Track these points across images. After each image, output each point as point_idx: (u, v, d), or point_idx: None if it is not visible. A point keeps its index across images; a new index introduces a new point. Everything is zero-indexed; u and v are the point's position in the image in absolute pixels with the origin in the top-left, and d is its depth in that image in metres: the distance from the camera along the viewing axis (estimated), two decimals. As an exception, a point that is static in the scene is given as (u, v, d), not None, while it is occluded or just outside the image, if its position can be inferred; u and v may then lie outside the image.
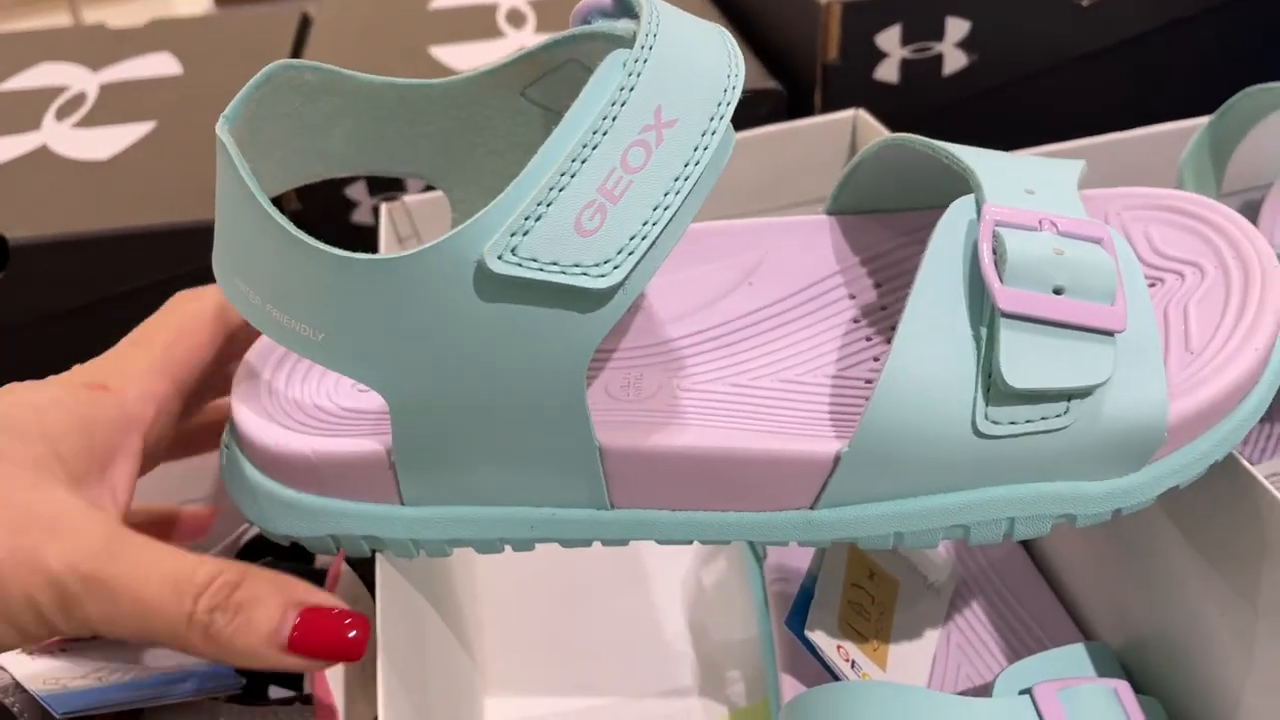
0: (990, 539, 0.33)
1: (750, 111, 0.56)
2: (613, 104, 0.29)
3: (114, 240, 0.53)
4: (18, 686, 0.40)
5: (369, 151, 0.37)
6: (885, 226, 0.40)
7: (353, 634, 0.32)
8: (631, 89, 0.29)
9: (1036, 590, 0.47)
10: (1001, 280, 0.31)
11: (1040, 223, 0.32)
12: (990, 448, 0.31)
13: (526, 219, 0.28)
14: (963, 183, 0.38)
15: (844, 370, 0.36)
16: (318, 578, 0.47)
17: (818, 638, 0.41)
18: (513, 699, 0.50)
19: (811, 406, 0.35)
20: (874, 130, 0.51)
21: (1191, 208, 0.38)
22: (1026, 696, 0.37)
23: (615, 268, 0.29)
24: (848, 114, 0.54)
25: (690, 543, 0.34)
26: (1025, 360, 0.30)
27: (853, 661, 0.42)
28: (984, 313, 0.31)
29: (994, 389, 0.31)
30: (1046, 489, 0.32)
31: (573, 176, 0.28)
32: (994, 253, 0.31)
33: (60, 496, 0.31)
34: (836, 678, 0.42)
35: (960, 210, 0.33)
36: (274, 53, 0.70)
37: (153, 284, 0.53)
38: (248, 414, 0.35)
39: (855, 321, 0.38)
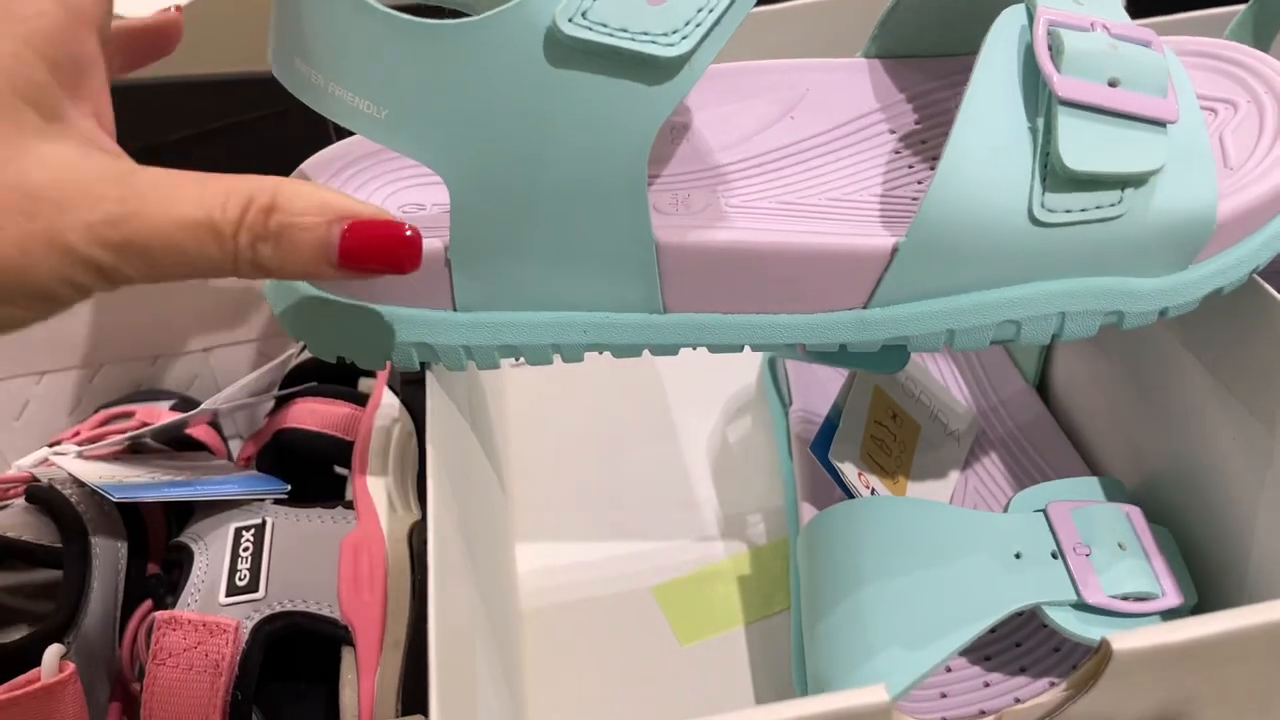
0: (1039, 337, 0.36)
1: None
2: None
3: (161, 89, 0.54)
4: (75, 480, 0.44)
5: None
6: (923, 70, 0.44)
7: (408, 233, 0.32)
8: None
9: (1052, 437, 0.51)
10: (1059, 69, 0.35)
11: (1092, 24, 0.36)
12: (1046, 237, 0.35)
13: (596, -17, 0.31)
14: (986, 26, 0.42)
15: (890, 190, 0.40)
16: (360, 400, 0.51)
17: (840, 463, 0.45)
18: (542, 542, 0.56)
19: (861, 215, 0.38)
20: None
21: (1227, 53, 0.42)
22: (1041, 514, 0.41)
23: (683, 38, 0.32)
24: None
25: (741, 349, 0.37)
26: (1083, 145, 0.34)
27: (873, 490, 0.46)
28: (1039, 105, 0.35)
29: (1051, 175, 0.34)
30: (1097, 283, 0.36)
31: (641, -52, 0.32)
32: (1049, 48, 0.35)
33: (48, 152, 0.29)
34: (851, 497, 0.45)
35: (1012, 15, 0.36)
36: None
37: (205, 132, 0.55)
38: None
39: (896, 152, 0.42)
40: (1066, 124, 0.34)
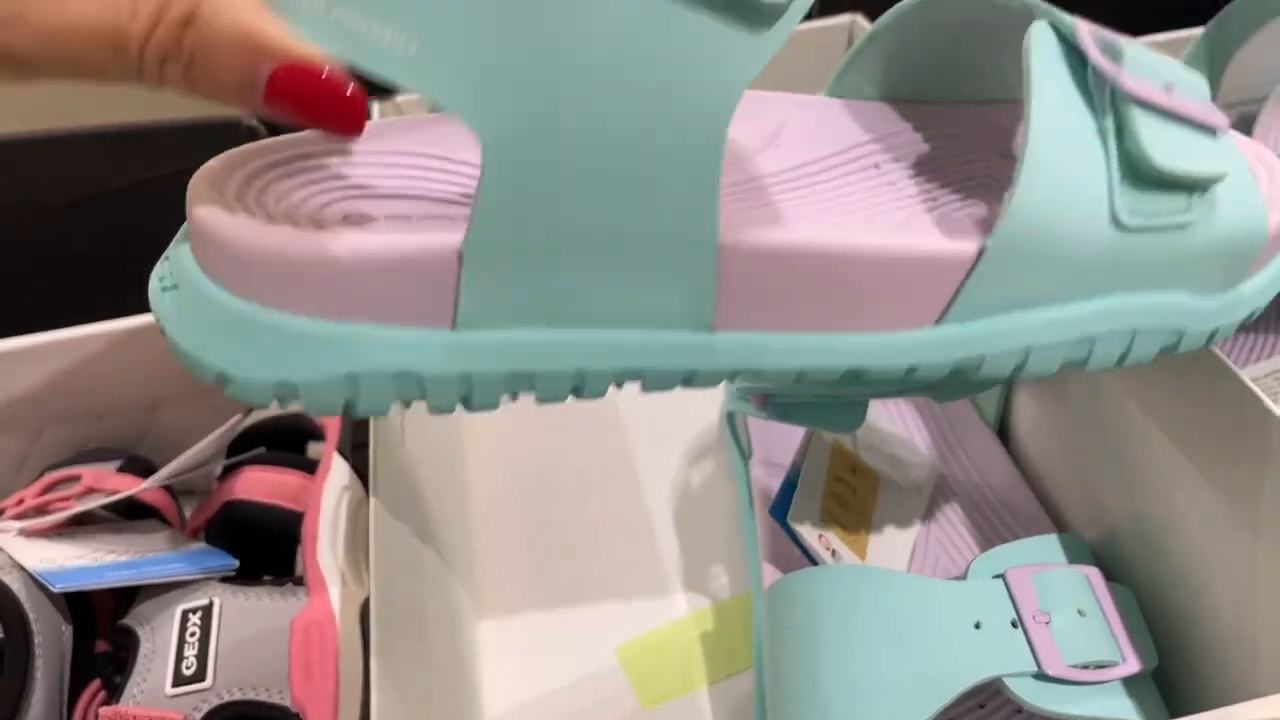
0: (1108, 360, 0.26)
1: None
2: None
3: (108, 137, 0.42)
4: (15, 565, 0.34)
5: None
6: (893, 111, 0.34)
7: (349, 90, 0.21)
8: None
9: (1014, 487, 0.41)
10: (1120, 67, 0.25)
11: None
12: (1125, 243, 0.25)
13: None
14: (963, 72, 0.33)
15: (934, 209, 0.30)
16: (310, 468, 0.39)
17: (800, 525, 0.36)
18: (499, 600, 0.43)
19: (932, 212, 0.28)
20: None
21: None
22: (1000, 580, 0.33)
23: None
24: (843, 20, 0.48)
25: (795, 377, 0.26)
26: (1161, 140, 0.25)
27: (833, 550, 0.37)
28: (1100, 109, 0.26)
29: (1130, 174, 0.25)
30: (1167, 299, 0.26)
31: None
32: (1102, 52, 0.26)
33: None
34: (814, 562, 0.36)
35: (1042, 31, 0.27)
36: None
37: (153, 179, 0.42)
38: (225, 216, 0.23)
39: (893, 184, 0.32)
40: (1142, 121, 0.24)
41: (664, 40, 0.20)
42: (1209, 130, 0.25)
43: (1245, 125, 0.47)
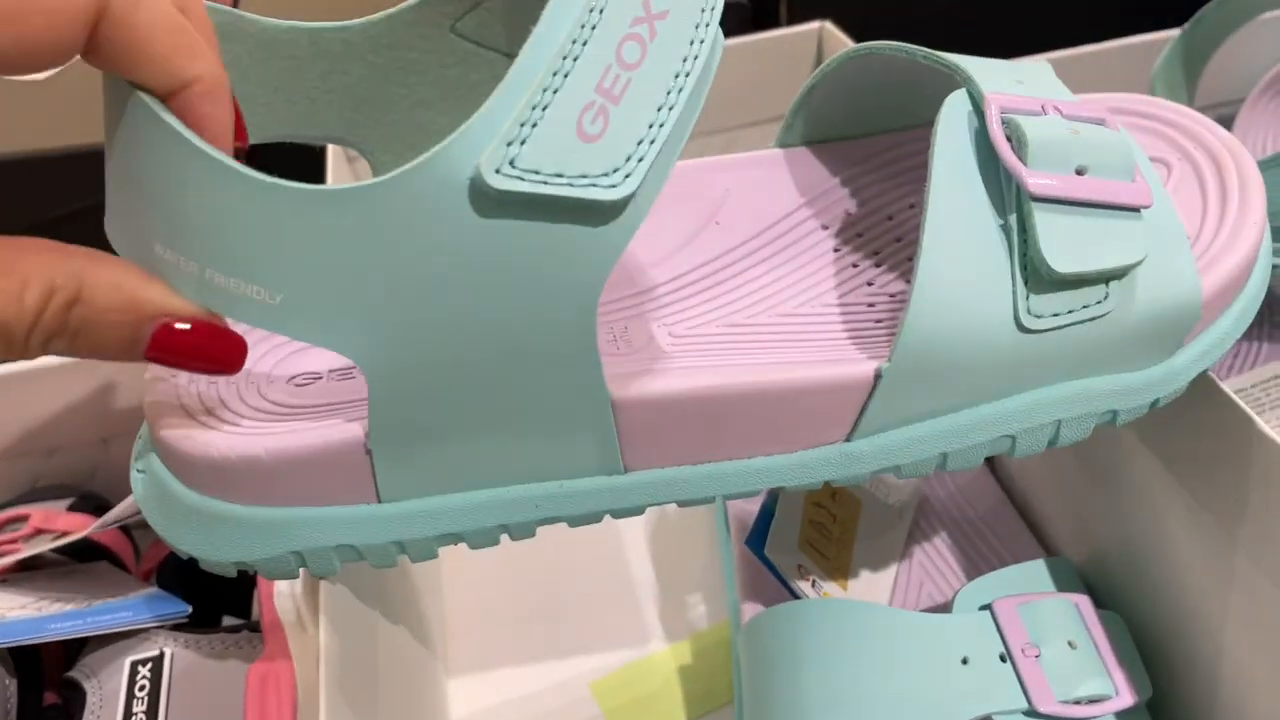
0: (1035, 449, 0.29)
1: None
2: (597, -4, 0.24)
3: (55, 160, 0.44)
4: None
5: (278, 112, 0.31)
6: (841, 156, 0.36)
7: (226, 335, 0.25)
8: (615, -22, 0.25)
9: (1000, 509, 0.45)
10: (1025, 163, 0.27)
11: (1044, 107, 0.29)
12: (1034, 344, 0.28)
13: (523, 125, 0.23)
14: (922, 100, 0.35)
15: (842, 298, 0.32)
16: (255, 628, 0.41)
17: (778, 557, 0.39)
18: (470, 628, 0.47)
19: (822, 334, 0.31)
20: (839, 42, 0.48)
21: (1146, 108, 0.36)
22: (987, 612, 0.35)
23: (626, 176, 0.24)
24: (813, 26, 0.50)
25: (714, 499, 0.29)
26: (1064, 243, 0.27)
27: (813, 581, 0.40)
28: (1007, 202, 0.28)
29: (1034, 278, 0.27)
30: (1090, 385, 0.29)
31: (566, 76, 0.23)
32: (1008, 139, 0.28)
33: None
34: (795, 595, 0.39)
35: (956, 104, 0.29)
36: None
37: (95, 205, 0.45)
38: (171, 421, 0.28)
39: (837, 250, 0.34)
40: (1044, 221, 0.27)
41: (522, 258, 0.23)
42: (1131, 210, 0.27)
43: (1224, 127, 0.48)
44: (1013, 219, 0.28)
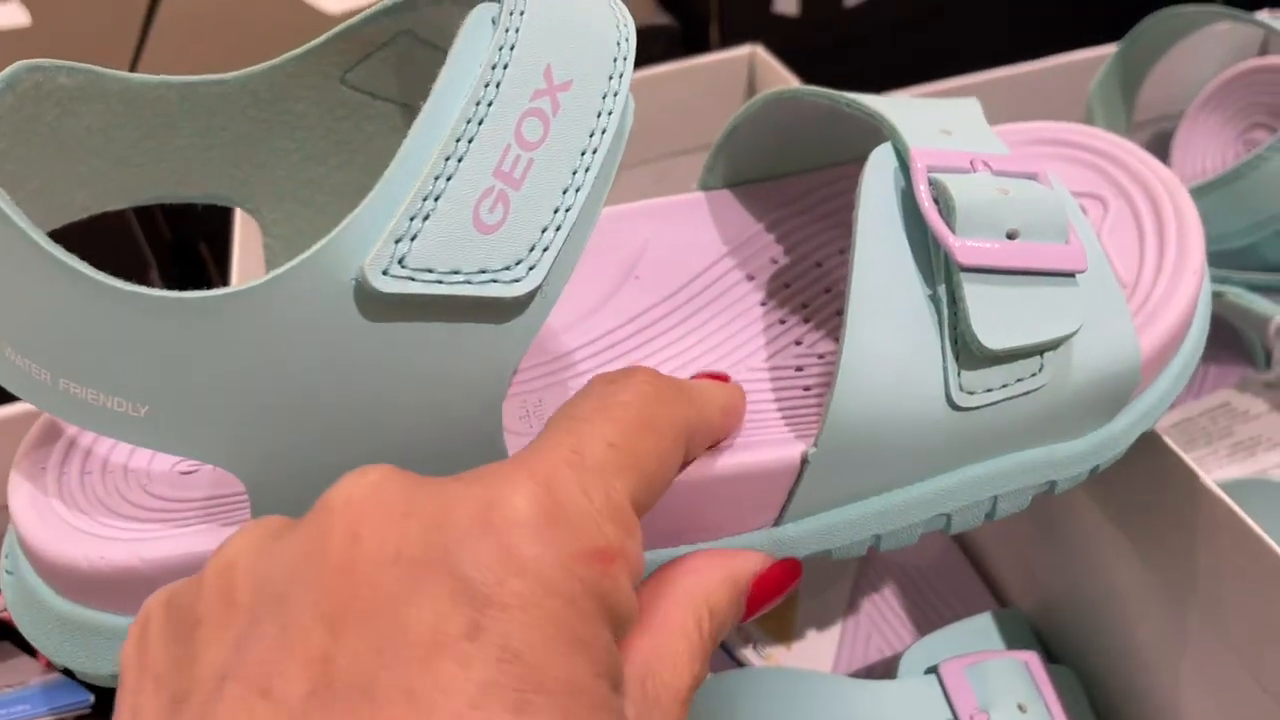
0: (972, 524, 0.28)
1: (642, 50, 0.49)
2: (493, 66, 0.22)
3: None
4: None
5: (150, 172, 0.29)
6: (766, 198, 0.35)
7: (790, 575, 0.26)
8: (512, 46, 0.23)
9: (948, 556, 0.44)
10: (953, 231, 0.26)
11: (972, 163, 0.28)
12: (967, 421, 0.26)
13: (412, 219, 0.21)
14: (848, 138, 0.33)
15: (770, 360, 0.31)
16: None
17: None
18: None
19: (748, 405, 0.29)
20: (771, 69, 0.47)
21: (1080, 139, 0.35)
22: (933, 675, 0.34)
23: (530, 268, 0.22)
24: (744, 51, 0.48)
25: (635, 588, 0.27)
26: (995, 317, 0.26)
27: (754, 642, 0.39)
28: (936, 270, 0.27)
29: (965, 354, 0.26)
30: (1026, 458, 0.28)
31: (460, 160, 0.22)
32: (935, 201, 0.27)
33: None
34: (735, 659, 0.38)
35: (881, 161, 0.28)
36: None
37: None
38: (39, 527, 0.26)
39: (763, 304, 0.33)
40: (973, 294, 0.25)
41: (416, 363, 0.21)
42: (1065, 275, 0.26)
43: (1162, 141, 0.47)
44: (942, 290, 0.26)
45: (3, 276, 0.21)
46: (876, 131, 0.29)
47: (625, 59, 0.25)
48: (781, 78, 0.46)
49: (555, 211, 0.23)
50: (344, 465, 0.23)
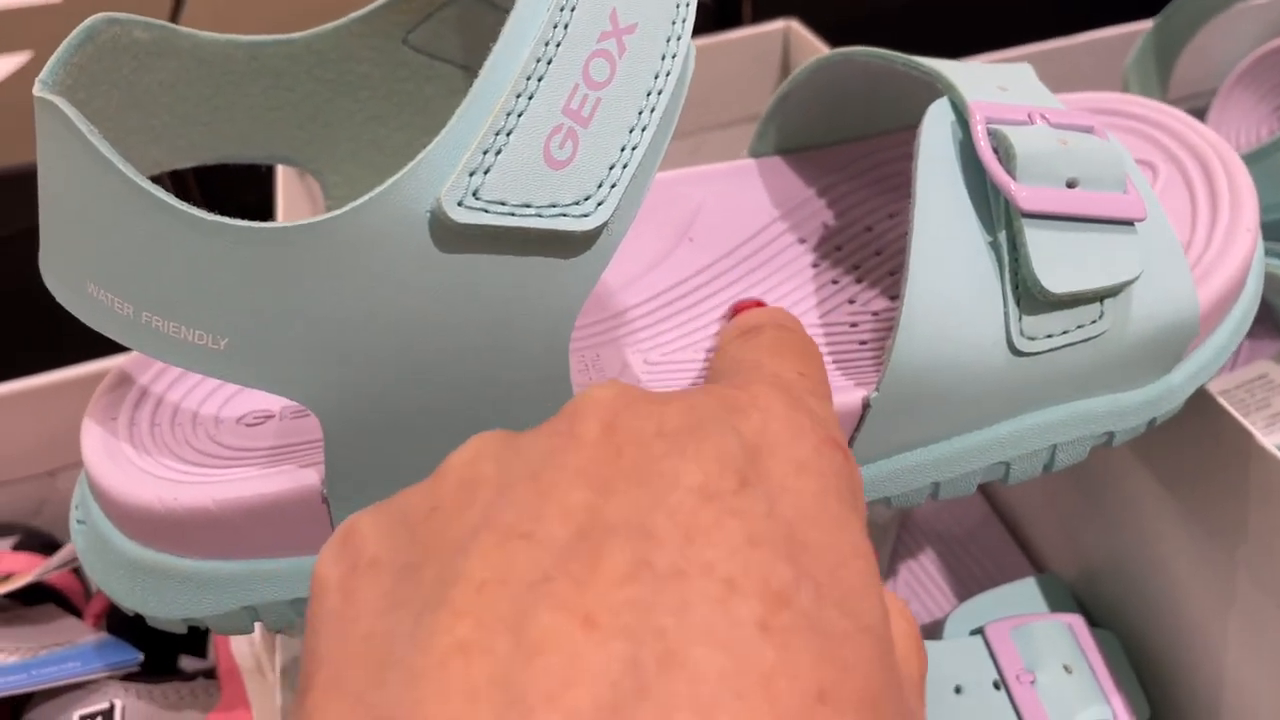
0: (1031, 474, 0.28)
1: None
2: (561, 8, 0.23)
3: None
4: None
5: (217, 130, 0.29)
6: (816, 165, 0.35)
7: None
8: (580, -10, 0.23)
9: (986, 523, 0.44)
10: (1014, 178, 0.26)
11: (1030, 115, 0.28)
12: (1028, 367, 0.27)
13: (485, 153, 0.22)
14: (899, 103, 0.34)
15: (824, 318, 0.31)
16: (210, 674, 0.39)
17: None
18: None
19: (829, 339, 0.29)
20: (806, 42, 0.47)
21: (1128, 107, 0.35)
22: (979, 636, 0.34)
23: (599, 204, 0.23)
24: (779, 25, 0.49)
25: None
26: (1058, 262, 0.26)
27: None
28: (995, 218, 0.27)
29: (1027, 299, 0.26)
30: (1085, 407, 0.28)
31: (531, 98, 0.22)
32: (994, 151, 0.27)
33: None
34: None
35: (939, 114, 0.28)
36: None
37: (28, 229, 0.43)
38: (112, 470, 0.27)
39: (815, 266, 0.33)
40: (1035, 239, 0.25)
41: (488, 294, 0.22)
42: (1125, 223, 0.26)
43: (1196, 117, 0.47)
44: (1002, 236, 0.27)
45: (87, 211, 0.22)
46: (929, 97, 0.29)
47: (687, 5, 0.25)
48: (817, 50, 0.46)
49: (622, 150, 0.23)
50: (417, 403, 0.24)
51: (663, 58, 0.24)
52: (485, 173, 0.22)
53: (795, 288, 0.32)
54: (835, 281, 0.32)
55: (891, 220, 0.34)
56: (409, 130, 0.32)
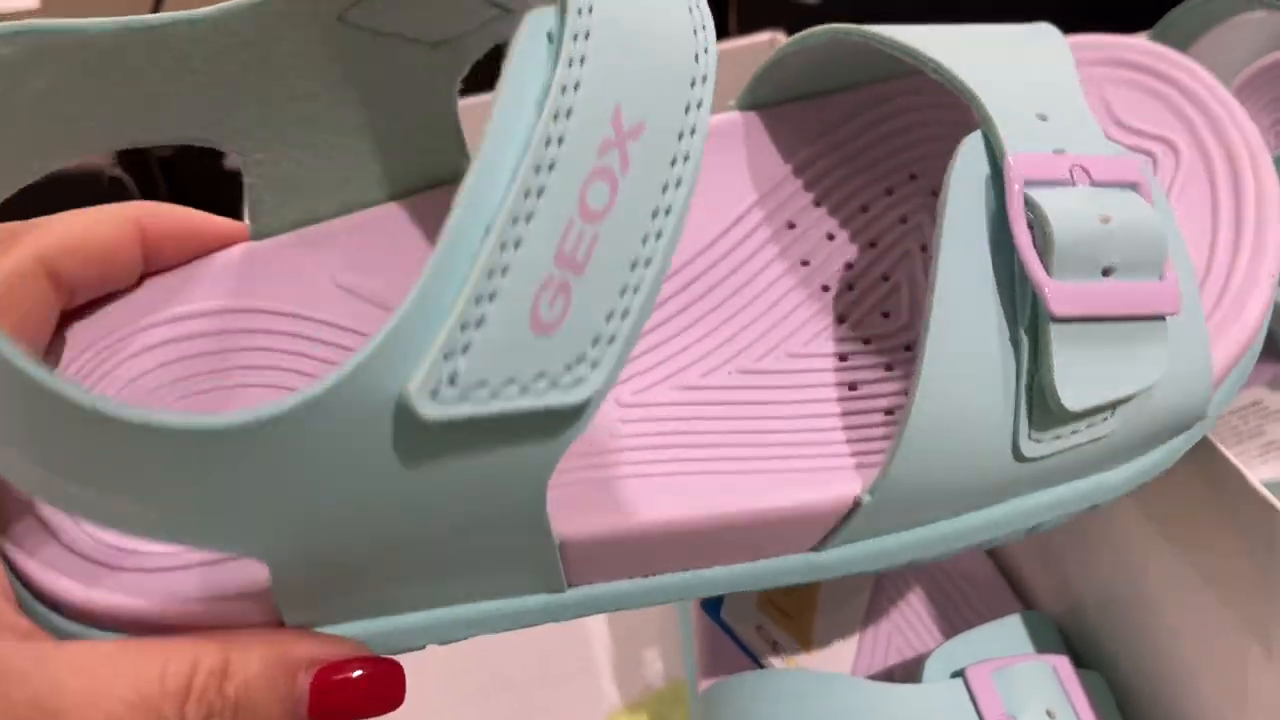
0: (1011, 541, 0.28)
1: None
2: (555, 116, 0.18)
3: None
4: None
5: (112, 123, 0.24)
6: (794, 126, 0.31)
7: (389, 684, 0.24)
8: (577, 86, 0.19)
9: (971, 556, 0.42)
10: (1049, 271, 0.23)
11: (1071, 172, 0.25)
12: (1028, 469, 0.25)
13: (464, 328, 0.18)
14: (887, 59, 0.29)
15: (812, 342, 0.29)
16: None
17: (735, 620, 0.37)
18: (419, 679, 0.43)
19: (795, 429, 0.27)
20: None
21: (1152, 62, 0.32)
22: (959, 680, 0.33)
23: (593, 366, 0.20)
24: (763, 37, 0.45)
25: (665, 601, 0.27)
26: (1079, 375, 0.24)
27: (774, 642, 0.38)
28: (1019, 306, 0.24)
29: (1039, 408, 0.24)
30: (1075, 488, 0.27)
31: (517, 247, 0.18)
32: (1029, 226, 0.24)
33: None
34: (756, 659, 0.37)
35: (971, 160, 0.25)
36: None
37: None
38: (41, 568, 0.24)
39: (805, 264, 0.30)
40: (1061, 346, 0.24)
41: (458, 479, 0.20)
42: (1156, 318, 0.24)
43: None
44: (1024, 333, 0.24)
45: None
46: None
47: (705, 80, 0.21)
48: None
49: (622, 293, 0.20)
50: (373, 552, 0.21)
51: (673, 161, 0.20)
52: (463, 352, 0.18)
53: (781, 305, 0.29)
54: (826, 288, 0.30)
55: (889, 197, 0.31)
56: (346, 107, 0.26)
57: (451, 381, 0.18)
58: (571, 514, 0.24)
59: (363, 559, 0.22)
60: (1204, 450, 0.30)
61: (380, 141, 0.28)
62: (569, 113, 0.19)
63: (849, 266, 0.30)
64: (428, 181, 0.29)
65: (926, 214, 0.31)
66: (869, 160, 0.31)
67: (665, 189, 0.20)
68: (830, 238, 0.30)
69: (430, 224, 0.29)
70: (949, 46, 0.27)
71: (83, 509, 0.20)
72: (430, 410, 0.18)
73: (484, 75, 0.27)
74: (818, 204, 0.31)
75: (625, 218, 0.19)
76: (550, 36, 0.19)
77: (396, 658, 0.24)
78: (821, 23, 0.28)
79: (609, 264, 0.19)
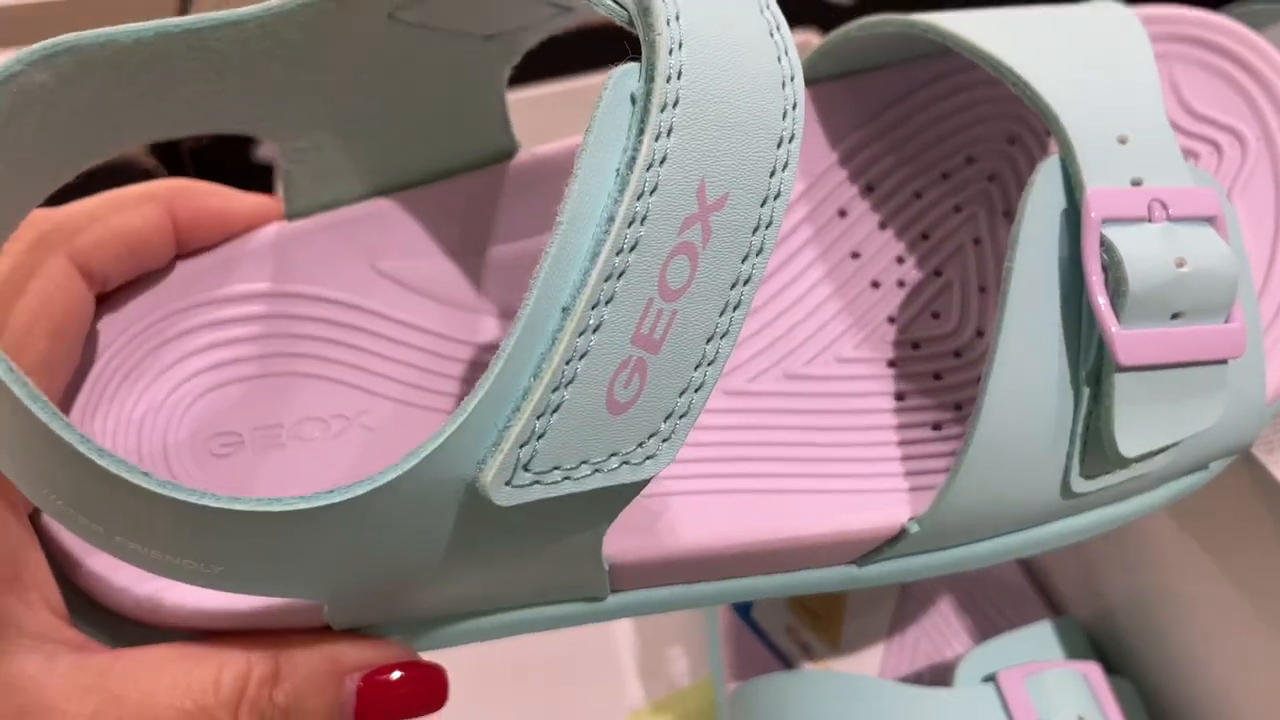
0: (1047, 555, 0.28)
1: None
2: (639, 194, 0.18)
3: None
4: None
5: (150, 121, 0.23)
6: (845, 107, 0.29)
7: (432, 688, 0.24)
8: (663, 160, 0.18)
9: (1004, 565, 0.39)
10: (1119, 316, 0.23)
11: (1150, 207, 0.24)
12: (1075, 503, 0.25)
13: (540, 416, 0.18)
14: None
15: (868, 340, 0.28)
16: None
17: (765, 621, 0.37)
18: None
19: (843, 440, 0.27)
20: None
21: (1229, 43, 0.30)
22: (990, 684, 0.33)
23: (664, 440, 0.19)
24: (799, 38, 0.42)
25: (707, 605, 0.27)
26: (1139, 421, 0.24)
27: (805, 644, 0.38)
28: (1085, 347, 0.24)
29: (1094, 450, 0.24)
30: (1119, 510, 0.27)
31: (595, 331, 0.18)
32: (1103, 269, 0.23)
33: (4, 674, 0.21)
34: (783, 658, 0.38)
35: (1048, 190, 0.24)
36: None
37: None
38: (91, 575, 0.24)
39: (855, 257, 0.29)
40: (1123, 396, 0.23)
41: (525, 549, 0.20)
42: (1217, 361, 0.24)
43: None
44: (1086, 375, 0.24)
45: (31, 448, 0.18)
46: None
47: (792, 139, 0.20)
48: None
49: (697, 368, 0.19)
50: (430, 589, 0.21)
51: (754, 229, 0.19)
52: (538, 439, 0.18)
53: (830, 304, 0.29)
54: (876, 285, 0.29)
55: (945, 181, 0.30)
56: (392, 96, 0.25)
57: (526, 468, 0.18)
58: (620, 536, 0.24)
59: (415, 589, 0.22)
60: (1239, 457, 0.30)
61: (424, 126, 0.26)
62: (654, 190, 0.18)
63: (900, 261, 0.29)
64: (468, 164, 0.28)
65: (981, 203, 0.30)
66: (923, 144, 0.30)
67: (745, 258, 0.19)
68: (882, 227, 0.29)
69: (471, 207, 0.28)
70: (1026, 48, 0.25)
71: (137, 560, 0.20)
72: (504, 498, 0.18)
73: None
74: (870, 189, 0.30)
75: (704, 292, 0.19)
76: (634, 99, 0.18)
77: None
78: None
79: (685, 341, 0.19)
